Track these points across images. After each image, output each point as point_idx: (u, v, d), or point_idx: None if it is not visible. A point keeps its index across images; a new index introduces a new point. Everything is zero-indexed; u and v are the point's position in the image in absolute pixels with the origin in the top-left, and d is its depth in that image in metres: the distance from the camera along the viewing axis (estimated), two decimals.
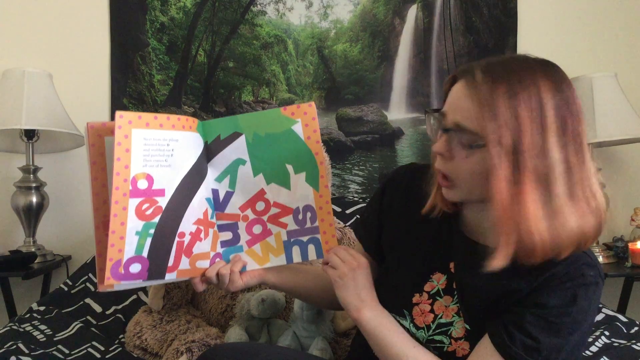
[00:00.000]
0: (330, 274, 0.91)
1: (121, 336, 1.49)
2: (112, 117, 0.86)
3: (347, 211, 1.89)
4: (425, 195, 0.90)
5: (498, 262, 0.76)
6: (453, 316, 0.88)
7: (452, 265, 0.88)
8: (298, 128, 0.95)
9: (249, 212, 0.98)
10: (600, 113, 1.90)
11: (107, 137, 0.88)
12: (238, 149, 0.96)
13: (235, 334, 1.29)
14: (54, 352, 1.33)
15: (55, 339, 1.40)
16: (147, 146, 0.85)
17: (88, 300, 1.62)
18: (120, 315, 1.57)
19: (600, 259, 1.95)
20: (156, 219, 0.85)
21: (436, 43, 2.22)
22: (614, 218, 2.15)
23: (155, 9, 2.16)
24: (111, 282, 0.82)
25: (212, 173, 0.96)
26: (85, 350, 1.36)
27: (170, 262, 0.88)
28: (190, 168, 0.91)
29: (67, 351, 1.35)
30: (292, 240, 0.98)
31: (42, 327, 1.46)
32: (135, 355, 1.38)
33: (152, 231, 0.85)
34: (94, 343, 1.40)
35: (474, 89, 0.75)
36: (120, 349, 1.40)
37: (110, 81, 2.15)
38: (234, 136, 0.95)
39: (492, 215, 0.75)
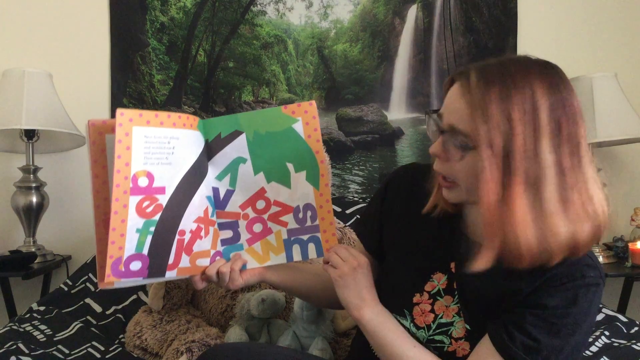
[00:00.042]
0: (330, 273, 0.91)
1: (121, 336, 1.49)
2: (113, 117, 0.86)
3: (347, 211, 1.89)
4: (427, 194, 0.90)
5: (480, 264, 0.77)
6: (453, 316, 0.88)
7: (453, 265, 0.88)
8: (299, 127, 0.95)
9: (249, 210, 0.98)
10: (600, 113, 1.90)
11: (108, 134, 0.88)
12: (239, 147, 0.96)
13: (235, 334, 1.29)
14: (54, 352, 1.33)
15: (55, 339, 1.40)
16: (147, 144, 0.85)
17: (88, 300, 1.62)
18: (120, 315, 1.57)
19: (600, 259, 1.95)
20: (157, 217, 0.86)
21: (436, 43, 2.22)
22: (614, 218, 2.15)
23: (155, 9, 2.16)
24: (111, 280, 0.82)
25: (212, 171, 0.96)
26: (85, 350, 1.36)
27: (171, 260, 0.88)
28: (190, 166, 0.91)
29: (67, 351, 1.35)
30: (292, 238, 0.98)
31: (42, 327, 1.46)
32: (135, 355, 1.38)
33: (152, 229, 0.85)
34: (94, 343, 1.40)
35: (468, 92, 0.75)
36: (120, 349, 1.40)
37: (110, 81, 2.15)
38: (235, 134, 0.95)
39: (480, 217, 0.76)
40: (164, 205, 0.86)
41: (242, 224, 0.98)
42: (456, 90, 0.78)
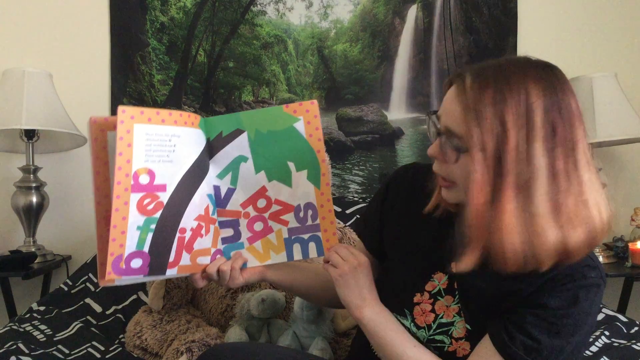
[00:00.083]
0: (331, 272, 0.91)
1: (121, 336, 1.49)
2: (113, 116, 0.86)
3: (347, 211, 1.89)
4: (428, 194, 0.90)
5: (463, 265, 0.77)
6: (454, 316, 0.88)
7: (453, 265, 0.88)
8: (300, 126, 0.96)
9: (250, 209, 0.98)
10: (600, 113, 1.90)
11: (109, 131, 0.88)
12: (240, 146, 0.96)
13: (235, 334, 1.29)
14: (54, 352, 1.33)
15: (55, 339, 1.40)
16: (149, 141, 0.85)
17: (88, 300, 1.62)
18: (120, 315, 1.57)
19: (600, 259, 1.95)
20: (157, 214, 0.86)
21: (436, 43, 2.22)
22: (614, 218, 2.15)
23: (155, 9, 2.16)
24: (112, 277, 0.82)
25: (213, 170, 0.96)
26: (85, 350, 1.36)
27: (171, 258, 0.88)
28: (191, 164, 0.91)
29: (67, 351, 1.35)
30: (293, 237, 0.98)
31: (42, 327, 1.46)
32: (135, 355, 1.38)
33: (153, 226, 0.85)
34: (94, 343, 1.40)
35: (463, 94, 0.75)
36: (120, 349, 1.40)
37: (110, 81, 2.15)
38: (236, 133, 0.96)
39: (467, 218, 0.76)
40: (165, 202, 0.86)
41: (243, 222, 0.98)
42: (452, 92, 0.78)
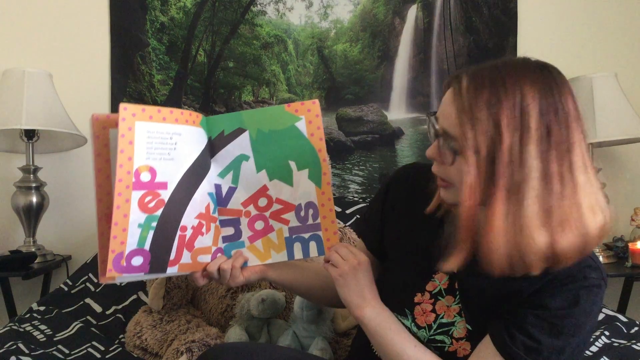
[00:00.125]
0: (331, 272, 0.92)
1: (121, 336, 1.49)
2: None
3: (347, 211, 1.89)
4: (429, 194, 0.90)
5: (449, 265, 0.78)
6: (455, 316, 0.88)
7: (441, 264, 0.88)
8: (301, 125, 0.96)
9: (251, 208, 0.98)
10: (600, 113, 1.90)
11: (111, 129, 0.89)
12: (241, 144, 0.96)
13: (235, 334, 1.29)
14: (54, 352, 1.33)
15: (55, 339, 1.40)
16: (150, 139, 0.85)
17: (88, 300, 1.62)
18: (120, 315, 1.57)
19: (600, 259, 1.95)
20: (158, 212, 0.86)
21: (436, 43, 2.22)
22: (614, 218, 2.15)
23: (155, 9, 2.16)
24: (113, 275, 0.82)
25: (215, 168, 0.96)
26: (85, 350, 1.36)
27: (172, 256, 0.88)
28: (192, 162, 0.91)
29: (67, 351, 1.35)
30: (293, 236, 0.98)
31: (42, 327, 1.46)
32: (135, 355, 1.38)
33: (154, 224, 0.85)
34: (94, 343, 1.40)
35: (458, 96, 0.75)
36: (120, 349, 1.40)
37: (110, 81, 2.15)
38: (238, 132, 0.96)
39: (458, 219, 0.76)
40: (166, 200, 0.87)
41: (244, 221, 0.98)
42: (449, 94, 0.78)
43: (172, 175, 0.88)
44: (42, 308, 1.57)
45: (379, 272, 1.00)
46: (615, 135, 1.90)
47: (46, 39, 2.13)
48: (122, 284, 1.66)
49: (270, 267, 1.01)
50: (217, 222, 0.97)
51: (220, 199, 0.97)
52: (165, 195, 0.87)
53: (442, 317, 0.88)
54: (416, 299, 0.90)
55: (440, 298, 0.89)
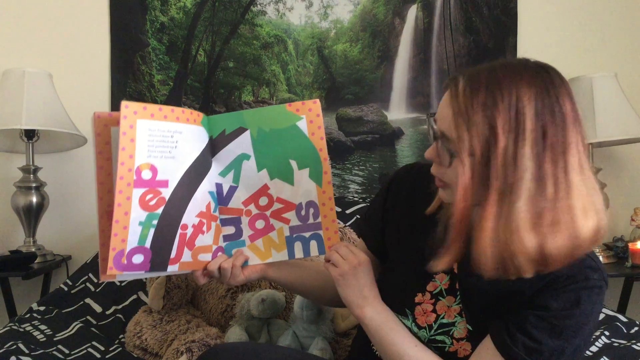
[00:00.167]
0: (331, 271, 0.92)
1: (121, 336, 1.49)
2: None
3: (347, 211, 1.89)
4: (430, 194, 0.90)
5: (439, 265, 0.79)
6: (455, 316, 0.88)
7: (455, 266, 0.88)
8: (302, 124, 0.96)
9: (252, 207, 0.99)
10: (600, 113, 1.90)
11: (113, 127, 0.89)
12: (243, 144, 0.96)
13: (235, 334, 1.29)
14: (54, 352, 1.33)
15: (55, 339, 1.40)
16: (151, 137, 0.85)
17: (88, 300, 1.62)
18: (120, 315, 1.57)
19: (600, 259, 1.95)
20: (159, 210, 0.86)
21: (436, 43, 2.22)
22: (614, 218, 2.15)
23: (155, 9, 2.16)
24: (114, 272, 0.83)
25: (216, 167, 0.96)
26: (85, 350, 1.36)
27: (173, 254, 0.88)
28: (193, 161, 0.91)
29: (67, 351, 1.35)
30: (294, 235, 0.99)
31: (42, 327, 1.46)
32: (135, 355, 1.38)
33: (155, 222, 0.86)
34: (94, 343, 1.40)
35: (455, 99, 0.75)
36: (120, 349, 1.40)
37: (110, 81, 2.15)
38: (239, 131, 0.96)
39: (451, 220, 0.76)
40: (167, 198, 0.87)
41: (245, 220, 0.99)
42: (446, 97, 0.78)
43: (173, 173, 0.88)
44: (42, 308, 1.57)
45: (379, 272, 1.00)
46: (615, 135, 1.90)
47: (46, 39, 2.13)
48: (122, 284, 1.66)
49: (270, 266, 1.01)
50: (218, 221, 0.97)
51: (221, 198, 0.98)
52: (166, 193, 0.87)
53: (443, 318, 0.88)
54: (417, 299, 0.90)
55: (441, 298, 0.89)
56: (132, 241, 0.84)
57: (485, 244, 0.73)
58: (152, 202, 0.85)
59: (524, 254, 0.72)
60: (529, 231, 0.71)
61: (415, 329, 0.89)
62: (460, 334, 0.87)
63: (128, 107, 0.83)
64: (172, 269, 0.89)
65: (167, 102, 2.17)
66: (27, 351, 1.29)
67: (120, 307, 1.60)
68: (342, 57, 2.22)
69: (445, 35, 2.21)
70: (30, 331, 1.43)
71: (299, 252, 0.99)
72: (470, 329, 0.86)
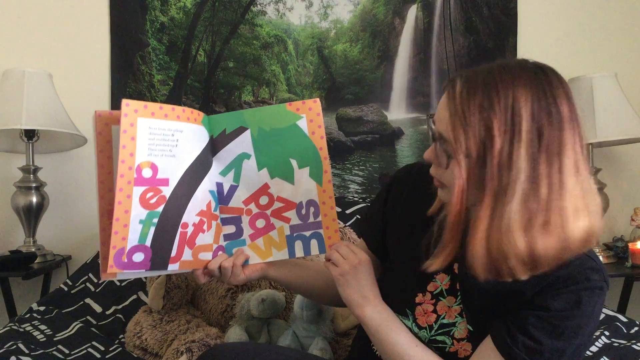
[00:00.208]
0: (332, 271, 0.92)
1: (121, 336, 1.49)
2: None
3: (347, 211, 1.89)
4: (431, 195, 0.90)
5: (434, 265, 0.80)
6: (456, 317, 0.88)
7: (456, 266, 0.88)
8: (303, 123, 0.96)
9: (252, 206, 0.99)
10: (600, 113, 1.90)
11: (114, 125, 0.89)
12: (243, 143, 0.97)
13: (235, 334, 1.29)
14: (54, 352, 1.33)
15: (55, 339, 1.40)
16: (152, 135, 0.85)
17: (88, 300, 1.62)
18: (120, 315, 1.57)
19: (600, 259, 1.95)
20: (160, 208, 0.86)
21: (436, 43, 2.22)
22: (614, 218, 2.15)
23: (155, 9, 2.16)
24: (114, 271, 0.83)
25: (217, 167, 0.97)
26: (85, 350, 1.36)
27: (173, 253, 0.88)
28: (194, 160, 0.92)
29: (67, 351, 1.35)
30: (294, 234, 0.99)
31: (42, 327, 1.46)
32: (135, 355, 1.38)
33: (155, 220, 0.86)
34: (94, 343, 1.40)
35: (452, 100, 0.75)
36: (120, 349, 1.40)
37: (110, 81, 2.15)
38: (240, 130, 0.96)
39: (447, 221, 0.77)
40: (167, 197, 0.87)
41: (245, 219, 0.99)
42: (444, 98, 0.79)
43: (173, 172, 0.88)
44: (42, 308, 1.57)
45: (380, 272, 1.00)
46: (615, 135, 1.90)
47: (46, 39, 2.13)
48: (122, 284, 1.66)
49: (271, 265, 1.01)
50: (219, 220, 0.98)
51: (222, 197, 0.98)
52: (167, 191, 0.87)
53: (443, 318, 0.88)
54: (417, 299, 0.90)
55: (441, 298, 0.89)
56: (133, 239, 0.84)
57: (478, 244, 0.73)
58: (153, 201, 0.85)
59: (515, 255, 0.72)
60: (521, 232, 0.71)
61: (415, 329, 0.89)
62: (460, 334, 0.87)
63: (129, 105, 0.83)
64: (173, 267, 0.89)
65: (167, 102, 2.15)
66: (27, 351, 1.29)
67: (120, 307, 1.60)
68: (342, 57, 2.22)
69: (445, 35, 2.21)
70: (30, 331, 1.43)
71: (299, 251, 0.99)
72: (471, 329, 0.86)
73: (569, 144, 0.72)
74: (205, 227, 0.93)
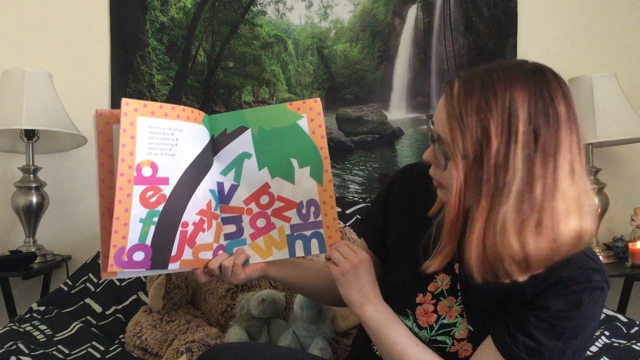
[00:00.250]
0: (332, 270, 0.92)
1: (121, 336, 1.49)
2: None
3: (347, 211, 1.89)
4: (431, 195, 0.90)
5: (433, 266, 0.80)
6: (456, 317, 0.88)
7: (456, 266, 0.88)
8: (303, 123, 0.97)
9: (253, 205, 0.99)
10: (600, 113, 1.90)
11: (114, 124, 0.90)
12: (244, 142, 0.97)
13: (235, 334, 1.29)
14: (54, 352, 1.33)
15: (55, 339, 1.40)
16: (152, 134, 0.86)
17: (88, 300, 1.62)
18: (120, 315, 1.57)
19: (601, 259, 1.95)
20: (160, 207, 0.86)
21: (436, 43, 2.22)
22: (614, 218, 2.15)
23: (155, 9, 2.16)
24: (115, 270, 0.83)
25: (217, 166, 0.97)
26: (85, 350, 1.36)
27: (174, 252, 0.88)
28: (194, 159, 0.92)
29: (67, 351, 1.35)
30: (295, 234, 0.99)
31: (42, 327, 1.46)
32: (135, 355, 1.38)
33: (155, 219, 0.86)
34: (94, 343, 1.40)
35: (449, 101, 0.75)
36: (120, 349, 1.40)
37: (110, 81, 2.15)
38: (240, 130, 0.97)
39: (445, 222, 0.77)
40: (167, 195, 0.87)
41: (246, 218, 0.99)
42: (442, 100, 0.79)
43: (173, 170, 0.88)
44: (42, 308, 1.57)
45: (380, 272, 1.00)
46: (615, 135, 1.90)
47: (46, 39, 2.13)
48: (122, 284, 1.66)
49: (271, 265, 1.01)
50: (219, 220, 0.98)
51: (223, 197, 0.98)
52: (167, 190, 0.87)
53: (444, 318, 0.88)
54: (418, 300, 0.90)
55: (442, 299, 0.89)
56: (133, 238, 0.84)
57: (474, 246, 0.73)
58: (153, 199, 0.86)
59: (510, 257, 0.72)
60: (515, 234, 0.71)
61: (416, 329, 0.89)
62: (461, 334, 0.87)
63: (129, 104, 0.83)
64: (173, 266, 0.89)
65: (167, 102, 2.16)
66: (27, 351, 1.29)
67: (120, 307, 1.60)
68: (342, 57, 2.22)
69: (445, 35, 2.21)
70: (30, 331, 1.43)
71: (299, 251, 0.99)
72: (472, 329, 0.86)
73: (565, 145, 0.71)
74: (205, 226, 0.93)
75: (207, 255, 0.95)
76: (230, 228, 0.99)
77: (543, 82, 0.73)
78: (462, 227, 0.78)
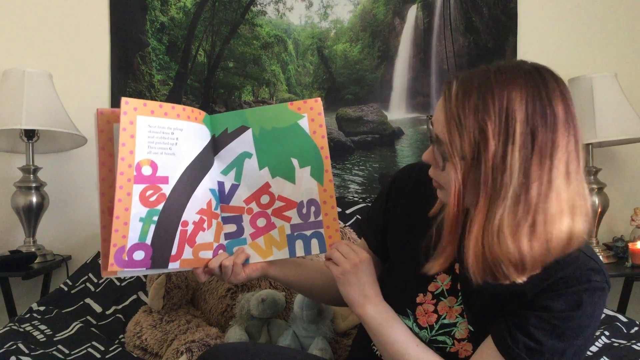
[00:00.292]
0: (332, 270, 0.92)
1: (121, 336, 1.49)
2: None
3: (347, 211, 1.89)
4: (431, 195, 0.90)
5: (434, 268, 0.80)
6: (457, 317, 0.88)
7: (457, 266, 0.88)
8: (304, 123, 0.97)
9: (253, 205, 0.99)
10: (600, 113, 1.90)
11: (115, 123, 0.90)
12: (245, 142, 0.97)
13: (235, 334, 1.29)
14: (54, 352, 1.33)
15: (55, 339, 1.40)
16: (151, 133, 0.86)
17: (88, 300, 1.62)
18: (120, 315, 1.57)
19: (601, 259, 1.95)
20: (160, 206, 0.87)
21: (436, 43, 2.22)
22: (614, 218, 2.15)
23: (155, 9, 2.16)
24: (115, 269, 0.83)
25: (218, 165, 0.97)
26: (85, 350, 1.36)
27: (174, 251, 0.89)
28: (194, 158, 0.92)
29: (67, 351, 1.35)
30: (295, 234, 0.99)
31: (42, 327, 1.46)
32: (135, 355, 1.38)
33: (155, 218, 0.86)
34: (94, 343, 1.40)
35: (448, 102, 0.75)
36: (120, 349, 1.40)
37: (110, 81, 2.15)
38: (241, 130, 0.97)
39: (444, 224, 0.78)
40: (167, 195, 0.87)
41: (246, 218, 0.99)
42: (441, 100, 0.78)
43: (173, 169, 0.89)
44: (42, 308, 1.57)
45: (380, 272, 1.00)
46: (615, 135, 1.90)
47: (46, 39, 2.13)
48: (122, 284, 1.66)
49: (271, 265, 1.01)
50: (219, 219, 0.98)
51: (223, 196, 0.98)
52: (167, 189, 0.88)
53: (444, 318, 0.88)
54: (418, 299, 0.90)
55: (442, 299, 0.89)
56: (133, 237, 0.84)
57: (473, 247, 0.73)
58: (153, 198, 0.86)
59: (508, 258, 0.72)
60: (512, 235, 0.71)
61: (416, 329, 0.89)
62: (461, 334, 0.87)
63: (128, 103, 0.83)
64: (173, 266, 0.89)
65: (167, 102, 2.17)
66: (27, 351, 1.29)
67: (120, 307, 1.60)
68: (342, 57, 2.22)
69: (445, 35, 2.21)
70: (30, 331, 1.43)
71: (300, 250, 0.99)
72: (472, 329, 0.86)
73: (562, 145, 0.71)
74: (205, 225, 0.94)
75: (207, 254, 0.95)
76: (231, 227, 0.99)
77: (541, 82, 0.73)
78: (462, 228, 0.78)
